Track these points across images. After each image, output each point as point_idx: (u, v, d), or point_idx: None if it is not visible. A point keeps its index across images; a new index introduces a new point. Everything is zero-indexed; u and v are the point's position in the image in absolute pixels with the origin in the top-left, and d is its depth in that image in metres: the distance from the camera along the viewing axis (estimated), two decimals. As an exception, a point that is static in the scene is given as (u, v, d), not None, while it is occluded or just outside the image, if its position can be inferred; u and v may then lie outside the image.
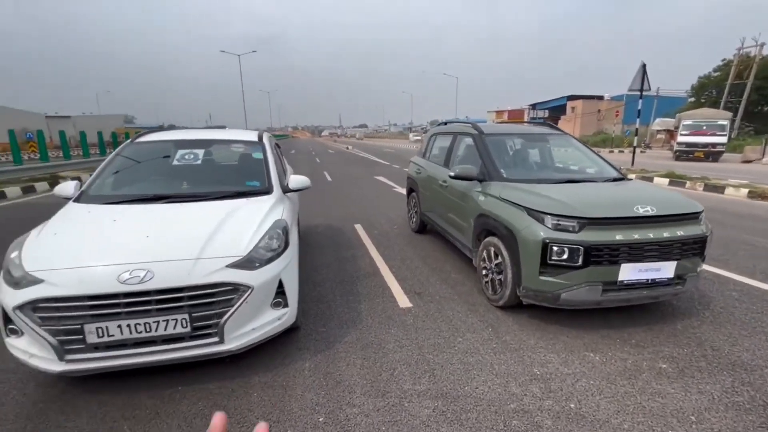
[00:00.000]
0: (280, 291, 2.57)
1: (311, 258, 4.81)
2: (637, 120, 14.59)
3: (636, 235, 2.82)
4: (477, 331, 3.08)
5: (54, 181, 11.49)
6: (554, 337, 2.96)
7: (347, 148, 38.26)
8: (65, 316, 2.10)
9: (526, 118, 48.08)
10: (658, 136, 33.61)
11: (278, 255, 2.59)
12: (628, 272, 2.83)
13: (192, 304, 2.22)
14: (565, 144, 4.62)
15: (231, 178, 3.37)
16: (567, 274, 2.85)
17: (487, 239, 3.56)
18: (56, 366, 2.11)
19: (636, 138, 15.14)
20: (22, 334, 2.17)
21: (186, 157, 3.32)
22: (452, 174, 3.91)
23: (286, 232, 2.76)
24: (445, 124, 5.81)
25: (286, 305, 2.62)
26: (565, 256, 2.84)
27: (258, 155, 3.58)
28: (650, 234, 2.84)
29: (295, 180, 3.50)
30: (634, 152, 14.98)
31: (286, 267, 2.62)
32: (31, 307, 2.08)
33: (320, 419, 2.14)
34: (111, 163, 3.24)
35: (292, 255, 2.73)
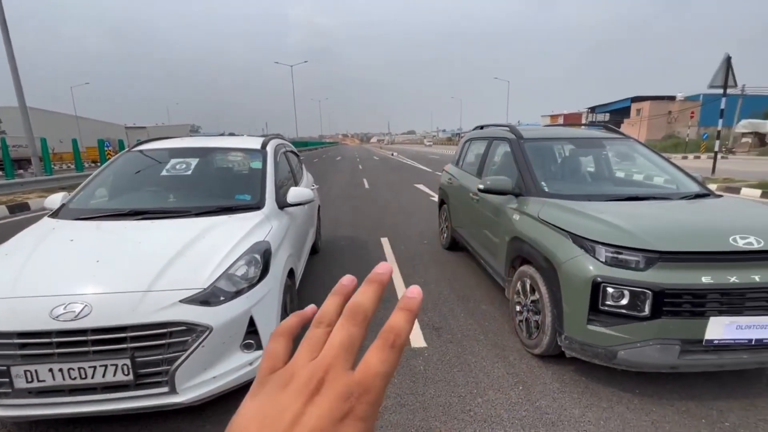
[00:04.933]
0: (252, 330, 2.13)
1: (322, 277, 4.36)
2: (720, 121, 12.60)
3: (733, 277, 2.01)
4: (503, 389, 2.41)
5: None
6: (609, 408, 2.22)
7: (392, 155, 38.04)
8: (-8, 355, 1.80)
9: (583, 123, 44.89)
10: (744, 139, 29.54)
11: (251, 286, 2.15)
12: (721, 329, 2.03)
13: (136, 347, 1.84)
14: (628, 150, 3.77)
15: (219, 190, 3.01)
16: (627, 326, 2.11)
17: (522, 268, 2.87)
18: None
19: (717, 142, 13.11)
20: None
21: (177, 167, 3.03)
22: (481, 187, 3.27)
23: (266, 257, 2.32)
24: (482, 128, 5.13)
25: (259, 347, 2.16)
26: (624, 302, 2.11)
27: (256, 164, 3.21)
28: (755, 277, 2.02)
29: (295, 193, 3.07)
30: (715, 158, 12.98)
31: (260, 301, 2.17)
32: (-41, 341, 1.80)
33: None
34: (100, 174, 3.03)
35: (272, 286, 2.28)
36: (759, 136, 29.14)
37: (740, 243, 2.08)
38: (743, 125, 29.59)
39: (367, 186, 12.97)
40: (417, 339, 3.02)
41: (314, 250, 4.90)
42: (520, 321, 2.91)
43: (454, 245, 5.21)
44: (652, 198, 2.94)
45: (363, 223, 7.15)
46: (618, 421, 2.12)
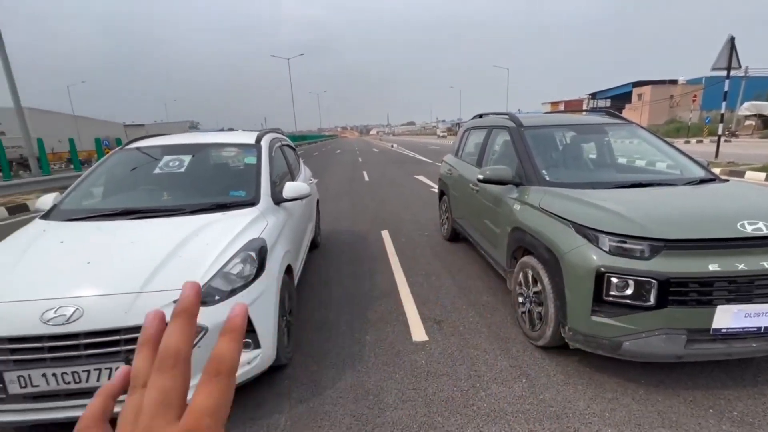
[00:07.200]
0: (249, 329, 2.09)
1: (323, 272, 4.33)
2: (723, 104, 12.40)
3: (741, 264, 1.95)
4: (506, 382, 2.38)
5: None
6: (615, 400, 2.18)
7: (392, 146, 37.83)
8: (-16, 361, 1.77)
9: (584, 109, 44.44)
10: (747, 122, 29.21)
11: (247, 285, 2.11)
12: (729, 317, 1.98)
13: (130, 349, 1.81)
14: (631, 136, 3.69)
15: (213, 187, 2.96)
16: (633, 316, 2.06)
17: (524, 259, 2.82)
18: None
19: (721, 125, 12.93)
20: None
21: (170, 164, 2.97)
22: (481, 177, 3.20)
23: (262, 254, 2.27)
24: (481, 116, 5.04)
25: (257, 346, 2.13)
26: (629, 292, 2.05)
27: (251, 160, 3.15)
28: (765, 263, 1.96)
29: (291, 188, 3.01)
30: (719, 141, 12.80)
31: (257, 299, 2.13)
32: (-49, 347, 1.77)
33: None
34: (92, 173, 2.97)
35: (268, 284, 2.24)
36: (763, 119, 28.81)
37: (749, 229, 2.01)
38: (747, 107, 29.22)
39: (367, 179, 12.88)
40: (418, 332, 2.99)
41: (314, 245, 4.86)
42: (523, 312, 2.86)
43: (455, 236, 5.15)
44: (656, 184, 2.86)
45: (363, 216, 7.09)
46: (624, 412, 2.08)
